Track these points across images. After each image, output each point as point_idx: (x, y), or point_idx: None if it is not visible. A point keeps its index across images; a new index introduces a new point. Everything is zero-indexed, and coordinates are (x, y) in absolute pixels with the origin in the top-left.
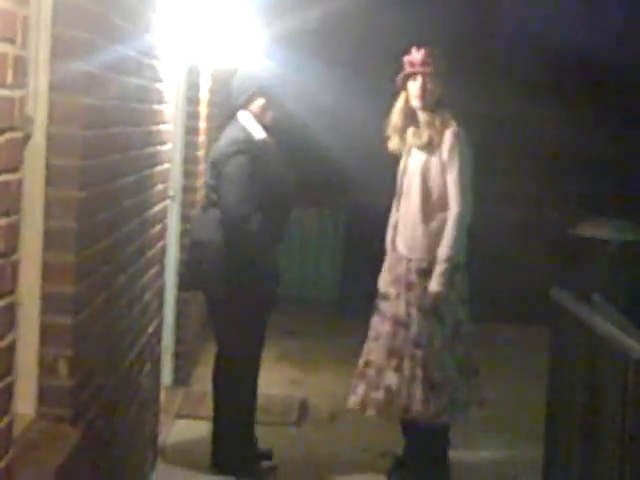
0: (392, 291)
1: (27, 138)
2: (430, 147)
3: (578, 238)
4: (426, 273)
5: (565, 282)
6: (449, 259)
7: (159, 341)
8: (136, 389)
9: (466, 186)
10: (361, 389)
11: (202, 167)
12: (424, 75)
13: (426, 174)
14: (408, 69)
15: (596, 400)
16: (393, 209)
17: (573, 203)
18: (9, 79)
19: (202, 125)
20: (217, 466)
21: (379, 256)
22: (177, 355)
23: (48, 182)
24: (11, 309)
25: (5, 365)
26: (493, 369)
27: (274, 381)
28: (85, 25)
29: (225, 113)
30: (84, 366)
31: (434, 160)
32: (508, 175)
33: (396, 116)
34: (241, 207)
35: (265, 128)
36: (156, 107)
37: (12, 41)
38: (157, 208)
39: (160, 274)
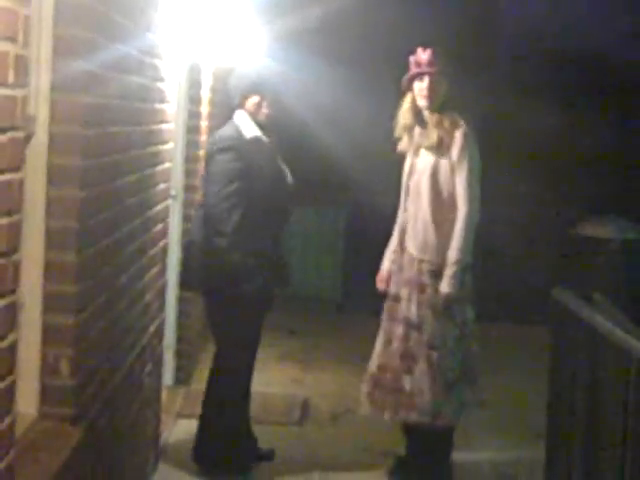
0: (404, 293)
1: (29, 137)
2: (440, 148)
3: (579, 237)
4: (437, 274)
5: (566, 281)
6: (459, 261)
7: (160, 340)
8: (137, 389)
9: (475, 187)
10: (377, 394)
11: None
12: (431, 75)
13: (436, 175)
14: (414, 69)
15: (597, 399)
16: (400, 210)
17: (574, 203)
18: (11, 78)
19: (204, 124)
20: (196, 461)
21: (380, 255)
22: (179, 354)
23: (50, 181)
24: (13, 309)
25: (7, 365)
26: (493, 369)
27: (275, 380)
28: (87, 24)
29: (225, 113)
30: (86, 365)
31: (444, 161)
32: (509, 175)
33: (405, 116)
34: (218, 206)
35: (261, 127)
36: (157, 106)
37: (14, 40)
38: (158, 207)
39: (162, 273)
